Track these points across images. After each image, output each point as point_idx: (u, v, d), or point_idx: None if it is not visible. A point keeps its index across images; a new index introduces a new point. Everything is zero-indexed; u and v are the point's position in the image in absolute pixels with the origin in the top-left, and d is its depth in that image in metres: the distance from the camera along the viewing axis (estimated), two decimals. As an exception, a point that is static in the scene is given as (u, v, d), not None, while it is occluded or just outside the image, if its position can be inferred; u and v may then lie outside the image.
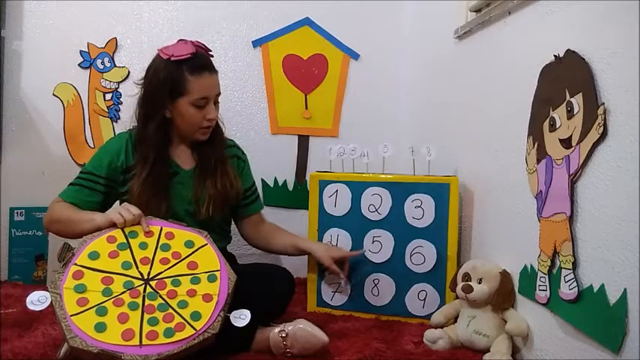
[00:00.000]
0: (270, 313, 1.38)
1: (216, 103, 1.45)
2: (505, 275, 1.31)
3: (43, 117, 1.99)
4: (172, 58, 1.37)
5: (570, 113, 1.04)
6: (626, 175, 0.90)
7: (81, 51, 1.99)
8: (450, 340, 1.33)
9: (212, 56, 1.50)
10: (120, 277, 1.16)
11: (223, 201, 1.47)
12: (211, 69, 1.43)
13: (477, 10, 1.59)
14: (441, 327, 1.40)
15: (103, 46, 2.00)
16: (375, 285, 1.59)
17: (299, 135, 2.10)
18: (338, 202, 1.62)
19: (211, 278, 1.21)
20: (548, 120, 1.13)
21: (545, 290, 1.13)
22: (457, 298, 1.41)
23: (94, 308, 1.09)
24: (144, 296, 1.14)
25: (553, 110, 1.11)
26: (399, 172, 1.64)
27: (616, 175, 0.92)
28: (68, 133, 1.99)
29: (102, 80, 2.00)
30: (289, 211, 2.09)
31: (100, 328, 1.05)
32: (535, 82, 1.19)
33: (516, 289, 1.29)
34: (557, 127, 1.09)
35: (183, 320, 1.11)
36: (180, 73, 1.37)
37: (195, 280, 1.20)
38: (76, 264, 1.16)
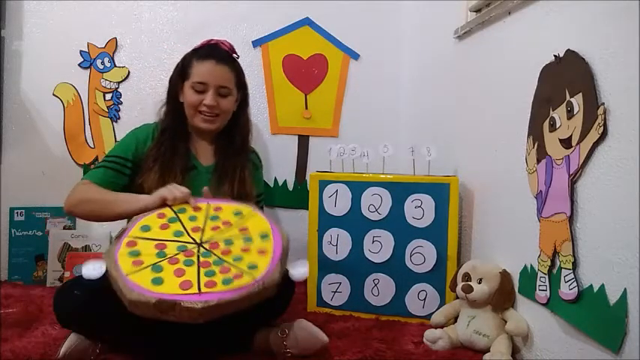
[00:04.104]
0: (270, 313, 1.38)
1: (223, 95, 1.48)
2: (505, 275, 1.32)
3: (43, 117, 1.98)
4: (192, 49, 1.53)
5: (570, 113, 1.04)
6: (626, 175, 0.90)
7: (81, 51, 1.98)
8: (450, 340, 1.33)
9: (238, 56, 1.59)
10: (173, 243, 1.15)
11: None
12: (219, 59, 1.48)
13: (477, 10, 1.59)
14: (441, 327, 1.40)
15: (103, 46, 2.00)
16: (375, 285, 1.59)
17: (299, 135, 2.10)
18: (338, 202, 1.62)
19: (264, 237, 1.19)
20: (548, 120, 1.13)
21: (545, 290, 1.13)
22: (457, 298, 1.41)
23: (150, 267, 1.07)
24: (198, 255, 1.12)
25: (553, 110, 1.11)
26: (399, 172, 1.64)
27: (616, 175, 0.92)
28: (68, 133, 1.99)
29: (102, 80, 2.00)
30: (289, 211, 2.09)
31: (157, 281, 1.03)
32: (535, 82, 1.19)
33: (516, 289, 1.29)
34: (557, 127, 1.09)
35: (240, 270, 1.08)
36: (190, 60, 1.49)
37: (248, 240, 1.18)
38: (128, 235, 1.16)
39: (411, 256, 1.56)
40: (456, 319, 1.42)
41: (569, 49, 1.05)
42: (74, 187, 1.40)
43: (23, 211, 1.94)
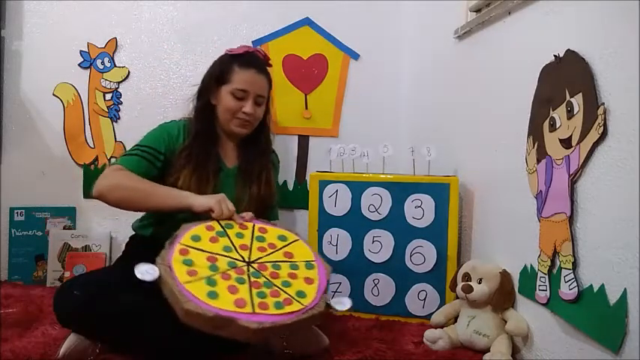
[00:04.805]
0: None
1: (259, 104, 1.51)
2: (505, 275, 1.31)
3: (43, 117, 1.99)
4: (229, 53, 1.53)
5: (570, 113, 1.04)
6: (626, 175, 0.90)
7: (81, 51, 1.98)
8: (450, 340, 1.34)
9: (270, 65, 1.59)
10: (223, 258, 1.17)
11: (260, 205, 1.51)
12: (260, 69, 1.51)
13: (477, 10, 1.59)
14: (441, 327, 1.40)
15: (103, 46, 2.00)
16: (375, 285, 1.59)
17: (299, 135, 2.10)
18: (338, 202, 1.62)
19: (309, 266, 1.23)
20: (548, 120, 1.13)
21: (545, 290, 1.13)
22: (457, 298, 1.41)
23: (204, 279, 1.09)
24: (249, 274, 1.14)
25: (553, 110, 1.11)
26: (399, 172, 1.64)
27: (616, 175, 0.92)
28: (68, 133, 1.99)
29: (102, 80, 2.00)
30: (289, 211, 2.08)
31: (213, 295, 1.04)
32: (535, 82, 1.19)
33: (516, 289, 1.29)
34: (557, 127, 1.09)
35: (289, 296, 1.10)
36: (230, 65, 1.50)
37: (294, 267, 1.21)
38: (180, 243, 1.17)
39: (411, 256, 1.56)
40: (456, 319, 1.42)
41: (569, 49, 1.05)
42: (107, 172, 1.36)
43: (23, 211, 1.94)
